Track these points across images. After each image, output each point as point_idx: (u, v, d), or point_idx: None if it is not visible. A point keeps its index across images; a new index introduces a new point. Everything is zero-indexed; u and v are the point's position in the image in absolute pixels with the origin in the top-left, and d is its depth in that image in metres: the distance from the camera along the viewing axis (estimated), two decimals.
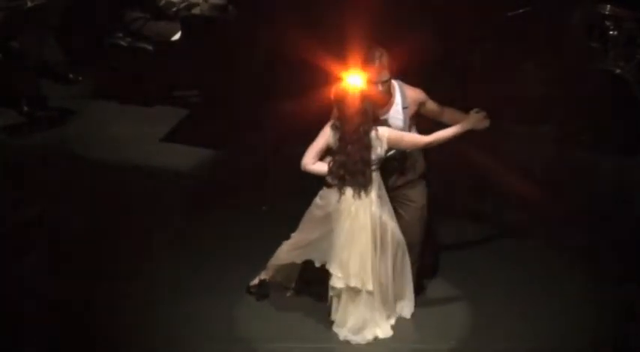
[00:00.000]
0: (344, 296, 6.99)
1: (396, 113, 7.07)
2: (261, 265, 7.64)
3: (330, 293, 7.03)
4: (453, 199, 8.53)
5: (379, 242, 6.95)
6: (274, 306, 7.36)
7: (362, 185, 6.89)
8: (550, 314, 7.22)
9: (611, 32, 9.65)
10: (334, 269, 6.97)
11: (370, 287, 6.94)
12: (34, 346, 6.98)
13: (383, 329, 7.07)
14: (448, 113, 7.17)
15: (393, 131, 6.94)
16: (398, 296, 7.14)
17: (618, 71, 9.48)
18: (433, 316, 7.28)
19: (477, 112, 7.04)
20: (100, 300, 7.38)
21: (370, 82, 6.89)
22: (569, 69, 10.03)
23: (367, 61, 6.89)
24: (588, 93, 9.63)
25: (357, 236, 6.93)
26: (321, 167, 7.01)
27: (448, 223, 8.20)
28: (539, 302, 7.35)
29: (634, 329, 7.10)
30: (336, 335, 7.05)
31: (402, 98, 7.08)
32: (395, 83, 7.08)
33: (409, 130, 7.12)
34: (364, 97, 6.84)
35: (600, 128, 9.56)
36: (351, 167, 6.87)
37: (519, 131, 9.90)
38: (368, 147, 6.84)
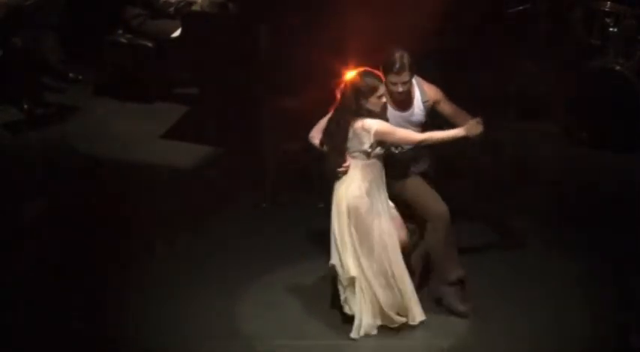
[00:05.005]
0: (357, 285, 6.96)
1: (419, 109, 7.10)
2: (261, 264, 7.69)
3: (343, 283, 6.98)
4: (453, 198, 8.52)
5: (362, 233, 6.89)
6: (274, 303, 7.35)
7: (335, 173, 6.87)
8: (550, 313, 7.21)
9: (611, 29, 9.65)
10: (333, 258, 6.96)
11: (353, 273, 6.89)
12: (34, 346, 6.99)
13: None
14: (462, 117, 7.06)
15: (384, 124, 6.85)
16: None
17: (618, 68, 9.48)
18: (434, 313, 7.24)
19: (477, 122, 6.92)
20: (100, 298, 7.37)
21: (391, 82, 6.91)
22: (569, 66, 10.04)
23: (388, 62, 6.91)
24: (588, 91, 9.63)
25: (339, 221, 6.90)
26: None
27: None
28: (539, 302, 7.35)
29: (635, 328, 7.09)
30: (336, 331, 7.02)
31: (421, 93, 7.10)
32: (412, 80, 7.07)
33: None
34: (350, 87, 6.79)
35: (600, 125, 9.57)
36: (328, 141, 6.89)
37: (519, 128, 9.91)
38: (342, 136, 6.80)
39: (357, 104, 6.77)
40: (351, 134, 6.81)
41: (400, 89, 6.95)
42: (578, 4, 10.04)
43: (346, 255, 6.90)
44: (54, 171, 9.10)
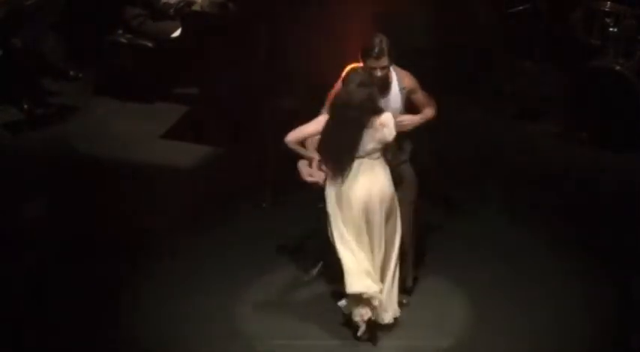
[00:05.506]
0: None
1: (396, 96, 7.08)
2: (261, 264, 7.70)
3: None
4: (452, 198, 8.54)
5: (391, 222, 6.87)
6: (274, 303, 7.36)
7: (343, 168, 6.79)
8: (550, 313, 7.22)
9: (611, 29, 9.64)
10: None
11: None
12: (34, 346, 7.00)
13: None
14: (426, 109, 7.15)
15: (392, 117, 6.81)
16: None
17: (618, 68, 9.47)
18: (433, 314, 7.28)
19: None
20: (100, 299, 7.38)
21: (369, 67, 6.88)
22: (568, 65, 10.04)
23: (367, 47, 6.88)
24: (588, 91, 9.62)
25: (355, 218, 6.84)
26: (301, 150, 6.94)
27: (447, 222, 8.21)
28: (539, 302, 7.35)
29: (635, 328, 7.10)
30: (336, 331, 7.03)
31: (398, 80, 7.08)
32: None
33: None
34: (351, 87, 6.71)
35: (600, 125, 9.57)
36: (335, 150, 6.83)
37: (519, 128, 9.91)
38: (355, 139, 6.72)
39: (372, 101, 6.71)
40: (368, 137, 6.72)
41: (379, 74, 6.92)
42: (578, 4, 10.03)
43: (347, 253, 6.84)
44: (54, 171, 9.10)
